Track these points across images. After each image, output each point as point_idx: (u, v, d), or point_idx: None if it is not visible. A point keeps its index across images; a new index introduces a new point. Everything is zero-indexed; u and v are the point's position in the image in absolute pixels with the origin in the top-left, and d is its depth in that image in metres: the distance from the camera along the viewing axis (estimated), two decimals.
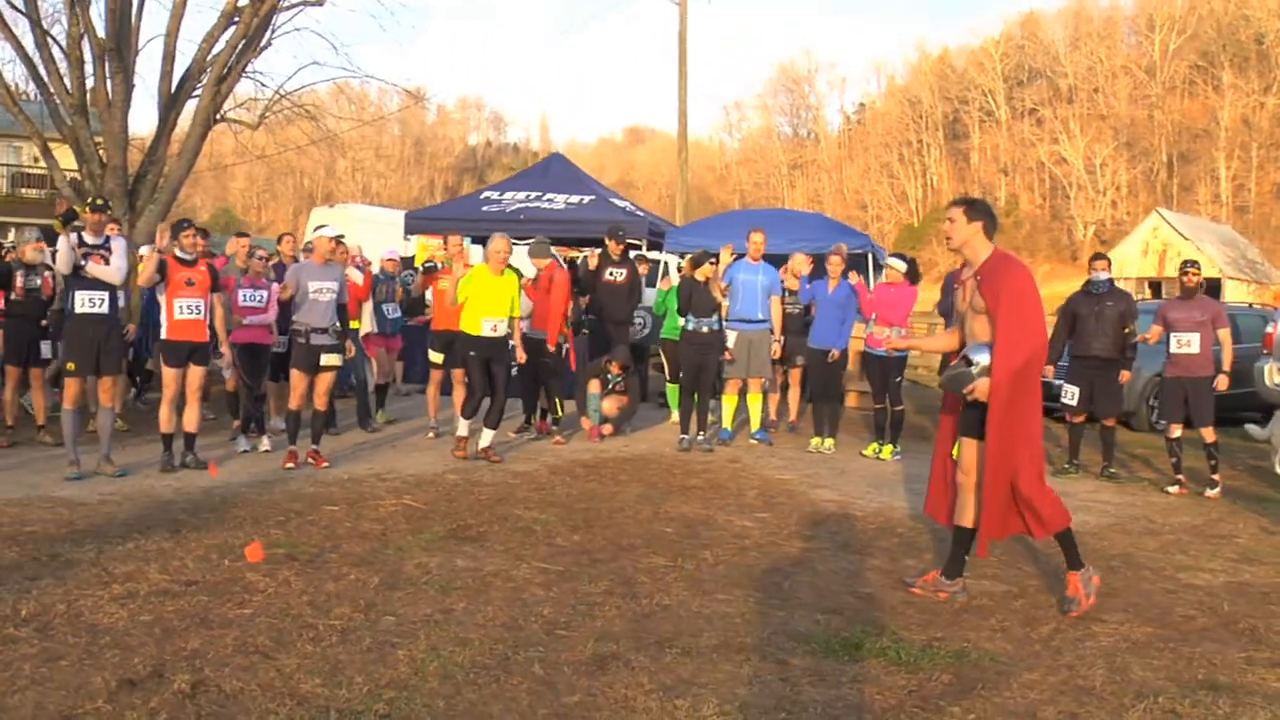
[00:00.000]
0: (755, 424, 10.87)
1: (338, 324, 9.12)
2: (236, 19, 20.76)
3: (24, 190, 37.27)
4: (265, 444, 9.63)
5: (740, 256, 10.68)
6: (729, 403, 10.74)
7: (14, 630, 4.74)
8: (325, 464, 8.97)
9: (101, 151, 20.24)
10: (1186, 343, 9.19)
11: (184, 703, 4.04)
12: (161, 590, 5.40)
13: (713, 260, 10.29)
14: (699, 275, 10.13)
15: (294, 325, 9.05)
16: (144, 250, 9.18)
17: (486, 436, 9.47)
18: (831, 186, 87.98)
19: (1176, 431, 9.28)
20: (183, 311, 8.49)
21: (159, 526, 6.65)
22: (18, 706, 3.96)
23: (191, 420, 8.69)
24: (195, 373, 8.61)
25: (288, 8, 20.69)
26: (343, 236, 10.28)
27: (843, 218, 49.34)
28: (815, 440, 10.41)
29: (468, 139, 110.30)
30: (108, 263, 8.08)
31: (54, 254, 8.18)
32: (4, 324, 9.77)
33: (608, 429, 10.73)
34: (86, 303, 8.03)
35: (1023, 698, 4.31)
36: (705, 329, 10.10)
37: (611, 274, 11.62)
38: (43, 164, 21.70)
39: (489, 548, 6.50)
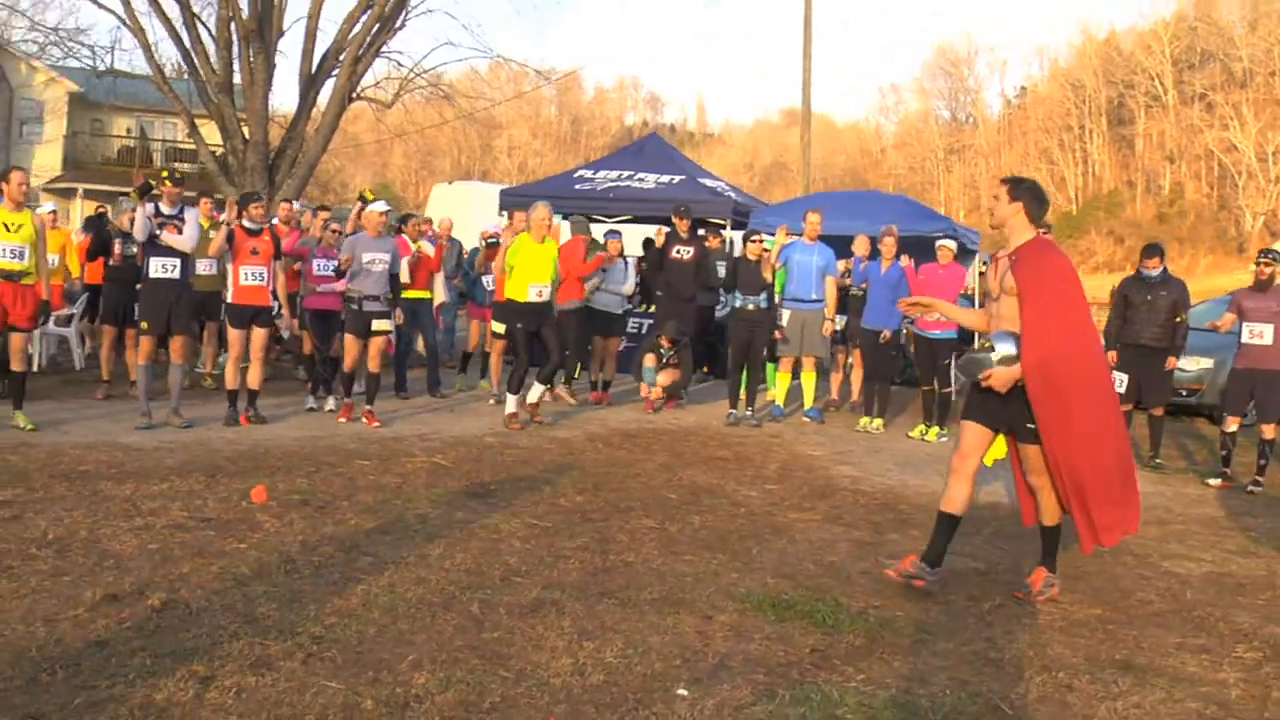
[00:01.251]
0: (808, 402, 11.08)
1: (389, 292, 9.71)
2: (373, 1, 21.78)
3: (178, 164, 39.32)
4: (330, 404, 10.26)
5: (796, 237, 10.90)
6: (781, 380, 10.97)
7: (36, 550, 5.37)
8: (377, 423, 9.57)
9: (244, 128, 21.50)
10: (1259, 334, 8.98)
11: (151, 615, 4.57)
12: (176, 524, 5.99)
13: (757, 238, 10.56)
14: (749, 254, 10.41)
15: (348, 293, 9.66)
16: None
17: (535, 391, 9.96)
18: (988, 172, 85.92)
19: (1233, 426, 9.15)
20: (247, 278, 9.17)
21: (198, 471, 7.28)
22: (12, 610, 4.55)
23: (254, 378, 9.37)
24: (258, 334, 9.29)
25: None
26: (416, 215, 10.87)
27: None
28: (864, 420, 10.59)
29: (624, 119, 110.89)
30: (180, 232, 8.77)
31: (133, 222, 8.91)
32: (104, 287, 10.63)
33: (656, 394, 11.08)
34: (160, 268, 8.73)
35: (923, 664, 4.51)
36: (752, 306, 10.38)
37: (679, 251, 11.94)
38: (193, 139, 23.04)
39: (492, 504, 6.94)
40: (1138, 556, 6.54)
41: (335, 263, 9.92)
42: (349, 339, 9.75)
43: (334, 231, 10.22)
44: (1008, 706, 4.04)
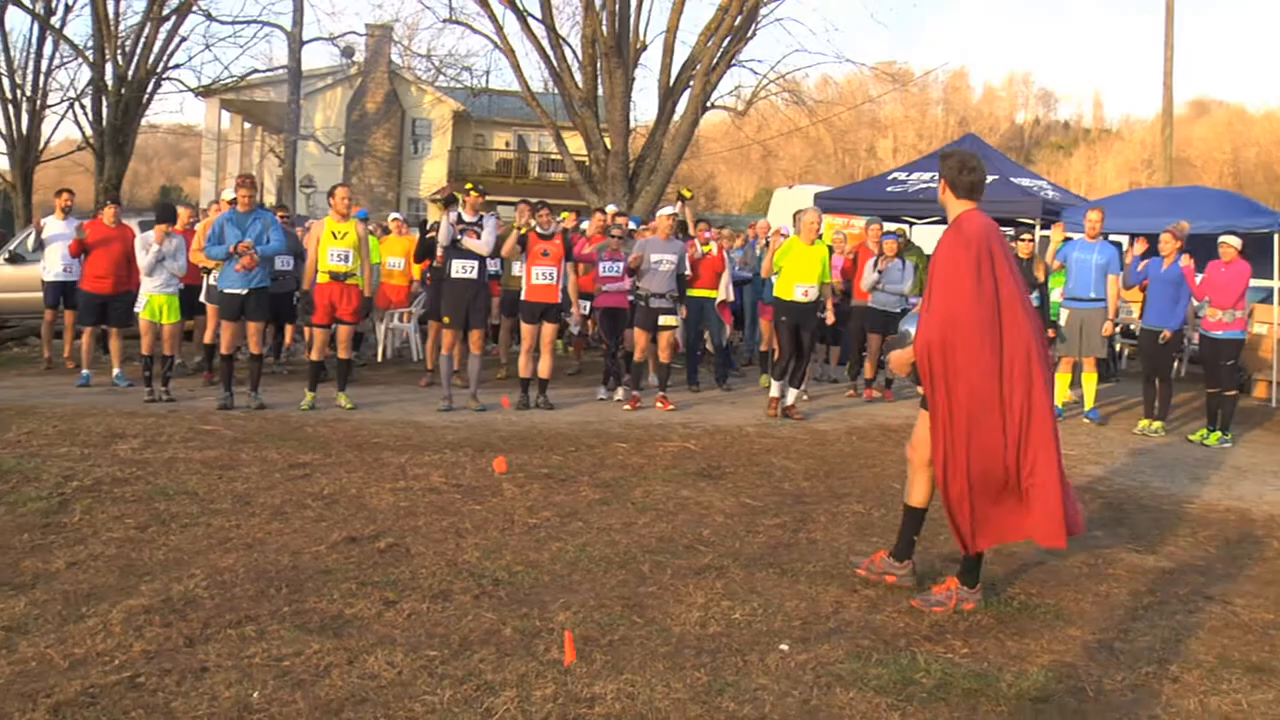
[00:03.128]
0: (1089, 402, 10.80)
1: (675, 291, 10.46)
2: (726, 13, 22.88)
3: (549, 174, 42.39)
4: (619, 394, 11.14)
5: (1073, 237, 10.68)
6: (1060, 381, 10.76)
7: (310, 501, 6.49)
8: (671, 407, 10.45)
9: (606, 139, 23.16)
10: None
11: (375, 554, 5.50)
12: (432, 488, 6.97)
13: (1027, 237, 10.44)
14: (1019, 252, 10.32)
15: (637, 290, 10.50)
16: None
17: (790, 395, 10.38)
18: None
19: None
20: (538, 278, 10.19)
21: (469, 446, 8.29)
22: (272, 543, 5.62)
23: (545, 368, 10.38)
24: (548, 329, 10.29)
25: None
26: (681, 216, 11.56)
27: None
28: (1143, 422, 10.21)
29: (1014, 117, 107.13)
30: (479, 237, 9.90)
31: (436, 228, 10.16)
32: (428, 287, 12.08)
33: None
34: (460, 269, 9.89)
35: (1037, 646, 4.63)
36: None
37: None
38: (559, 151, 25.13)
39: (720, 485, 7.48)
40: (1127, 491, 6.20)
41: (620, 264, 10.76)
42: (637, 333, 10.61)
43: (615, 237, 11.07)
44: (1093, 690, 4.13)
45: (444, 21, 25.24)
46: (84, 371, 10.66)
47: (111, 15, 25.26)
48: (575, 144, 25.21)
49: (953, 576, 5.13)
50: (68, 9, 26.71)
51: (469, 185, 10.22)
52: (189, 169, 60.75)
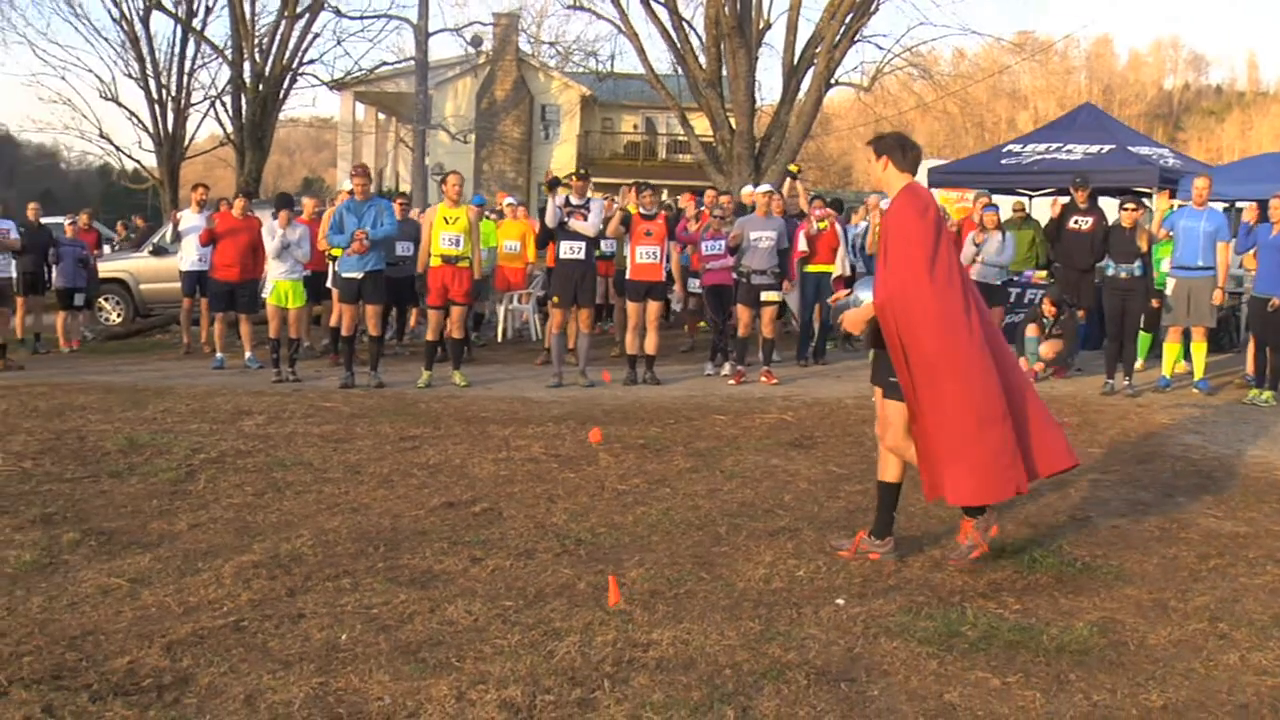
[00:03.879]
0: (1198, 373, 10.61)
1: (776, 266, 10.66)
2: None
3: (678, 155, 42.65)
4: (726, 369, 11.38)
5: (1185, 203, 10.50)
6: (1169, 351, 10.61)
7: (415, 471, 6.95)
8: (775, 381, 10.71)
9: (731, 119, 23.32)
10: None
11: (469, 518, 5.89)
12: (532, 458, 7.34)
13: (1131, 205, 10.32)
14: (1123, 220, 10.20)
15: (740, 268, 10.72)
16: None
17: None
18: None
19: None
20: (642, 256, 10.49)
21: (573, 420, 8.65)
22: (376, 507, 6.06)
23: (650, 344, 10.68)
24: (652, 306, 10.59)
25: None
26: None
27: None
28: (1253, 392, 10.00)
29: (1162, 83, 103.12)
30: (586, 219, 10.24)
31: (543, 211, 10.54)
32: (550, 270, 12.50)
33: (1039, 367, 11.11)
34: (568, 250, 10.26)
35: (1091, 604, 4.70)
36: (1125, 274, 10.17)
37: (1076, 222, 11.81)
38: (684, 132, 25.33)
39: (810, 454, 7.68)
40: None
41: (722, 241, 10.99)
42: (740, 308, 10.85)
43: (718, 217, 11.28)
44: (1135, 645, 4.22)
45: (567, 8, 25.72)
46: (218, 355, 11.40)
47: (248, 15, 26.49)
48: (702, 125, 25.39)
49: (966, 519, 5.19)
50: (208, 11, 28.07)
51: (576, 169, 10.57)
52: (329, 160, 62.87)
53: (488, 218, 13.74)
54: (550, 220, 10.24)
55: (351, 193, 10.37)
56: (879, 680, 3.85)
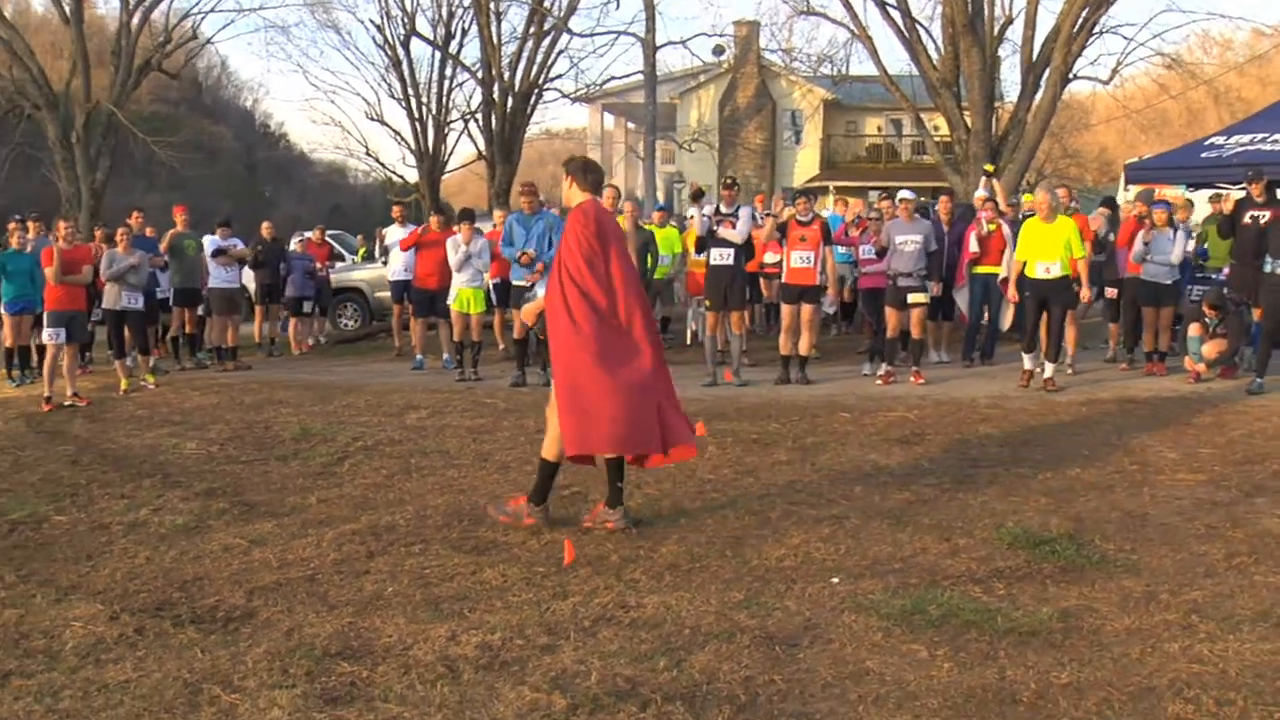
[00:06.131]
0: None
1: (924, 269, 10.99)
2: None
3: (921, 157, 42.21)
4: (868, 369, 11.77)
5: None
6: None
7: (535, 459, 7.78)
8: (922, 380, 11.02)
9: (967, 118, 23.29)
10: None
11: (556, 501, 6.67)
12: None
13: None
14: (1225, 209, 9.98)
15: (889, 270, 11.11)
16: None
17: (1048, 369, 10.59)
18: None
19: None
20: (797, 261, 11.05)
21: (705, 415, 9.22)
22: (482, 488, 6.95)
23: (805, 346, 11.21)
24: (806, 309, 11.10)
25: None
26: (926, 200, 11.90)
27: None
28: None
29: None
30: (734, 227, 10.89)
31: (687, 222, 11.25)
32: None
33: (1201, 368, 10.89)
34: (717, 256, 10.94)
35: (1086, 595, 5.01)
36: (1277, 271, 9.92)
37: (1250, 217, 11.49)
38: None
39: (911, 450, 8.07)
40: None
41: (873, 246, 11.37)
42: (888, 310, 11.24)
43: (873, 218, 11.67)
44: (1087, 630, 4.44)
45: (799, 14, 26.20)
46: (418, 356, 12.70)
47: (495, 38, 28.39)
48: (942, 127, 25.24)
49: (603, 504, 6.16)
50: (464, 34, 30.26)
51: (727, 179, 11.23)
52: None
53: (672, 225, 14.54)
54: (700, 229, 10.94)
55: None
56: (815, 646, 4.38)
